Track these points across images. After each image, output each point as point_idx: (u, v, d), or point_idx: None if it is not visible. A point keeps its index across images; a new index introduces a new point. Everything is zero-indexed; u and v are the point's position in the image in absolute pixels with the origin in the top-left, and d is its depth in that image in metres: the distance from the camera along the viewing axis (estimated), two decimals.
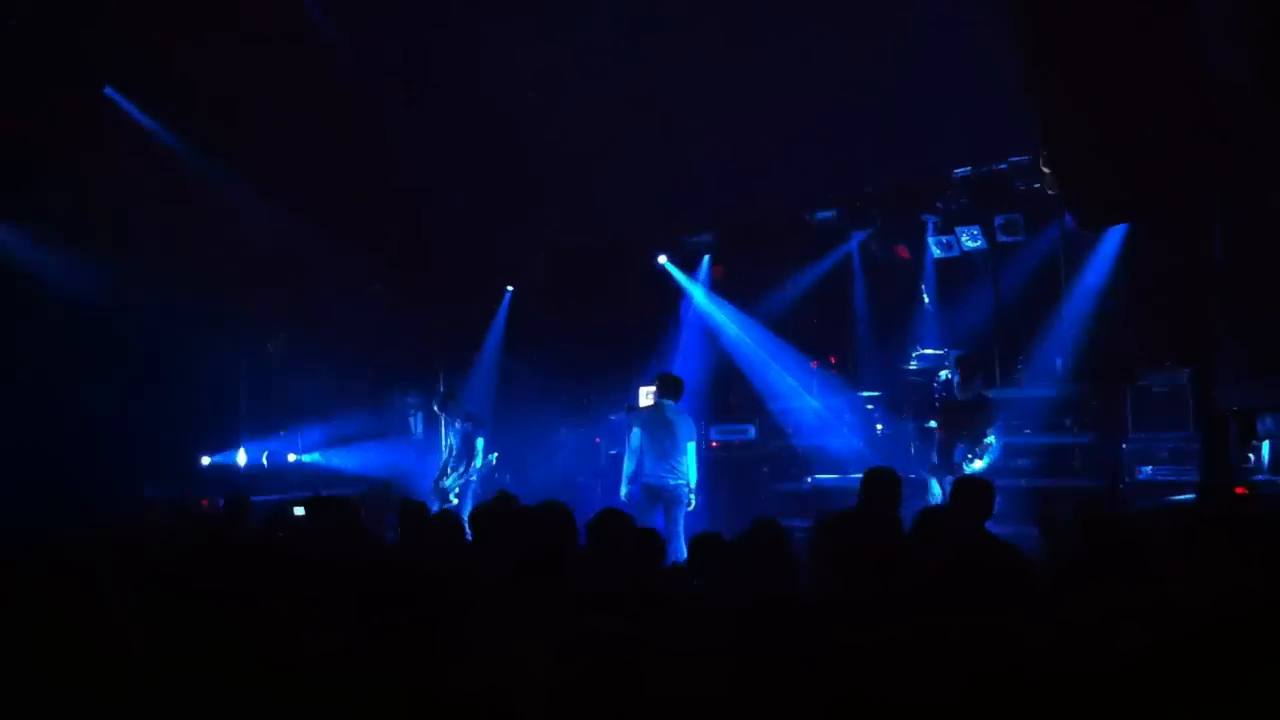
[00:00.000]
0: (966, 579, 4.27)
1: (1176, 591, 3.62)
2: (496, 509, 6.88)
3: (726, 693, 3.18)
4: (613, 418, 13.12)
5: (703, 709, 3.15)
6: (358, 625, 4.01)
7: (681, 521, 9.81)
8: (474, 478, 11.30)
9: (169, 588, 4.41)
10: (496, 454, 11.69)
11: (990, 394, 9.65)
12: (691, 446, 9.95)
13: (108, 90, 12.58)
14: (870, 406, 11.79)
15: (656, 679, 3.19)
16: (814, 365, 13.17)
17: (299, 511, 8.09)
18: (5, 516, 9.30)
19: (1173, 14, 6.65)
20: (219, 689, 3.59)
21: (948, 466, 9.08)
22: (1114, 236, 10.86)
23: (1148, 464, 9.50)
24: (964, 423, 9.21)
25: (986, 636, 3.17)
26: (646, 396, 12.26)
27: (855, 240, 12.97)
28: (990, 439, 8.98)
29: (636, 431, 9.95)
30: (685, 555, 9.07)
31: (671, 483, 9.80)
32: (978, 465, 8.83)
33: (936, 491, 9.09)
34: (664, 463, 9.81)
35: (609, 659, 3.26)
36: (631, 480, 9.94)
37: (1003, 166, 11.34)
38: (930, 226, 12.26)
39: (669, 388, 10.12)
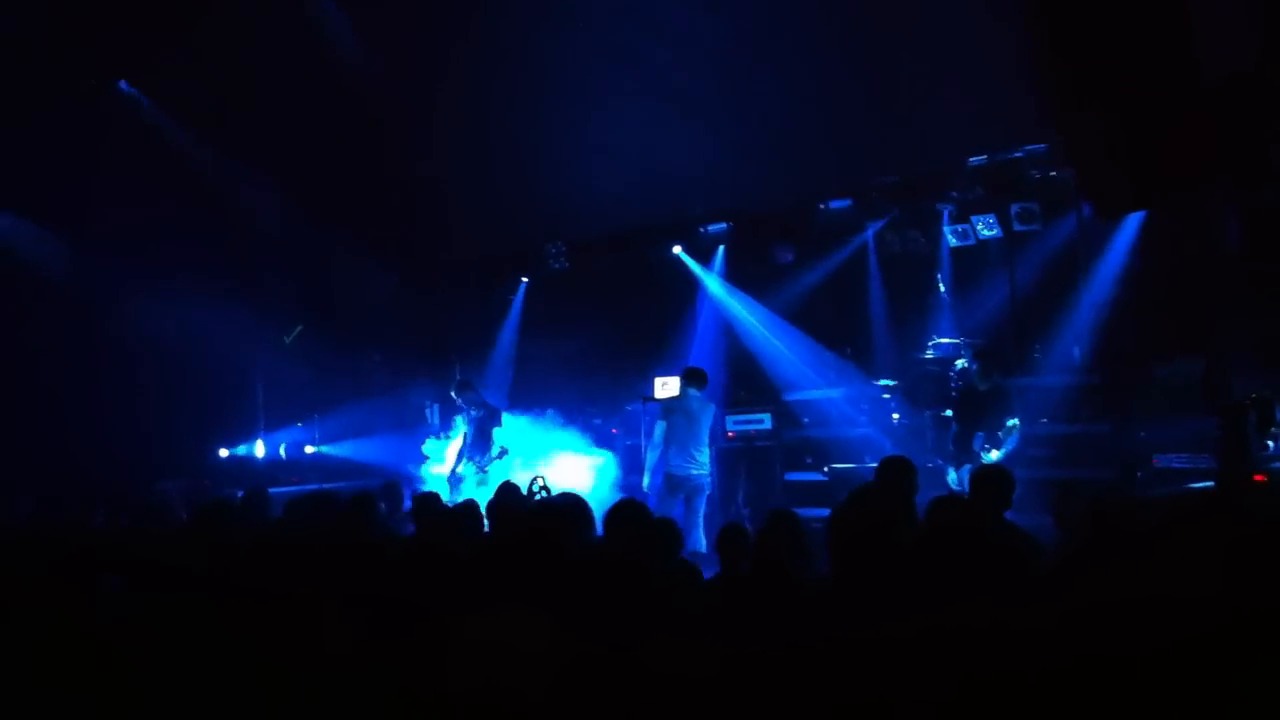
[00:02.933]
0: (982, 569, 4.27)
1: (1191, 581, 3.61)
2: (506, 500, 6.92)
3: (740, 682, 3.19)
4: (629, 408, 13.12)
5: (716, 698, 3.16)
6: (370, 620, 4.03)
7: (701, 511, 9.87)
8: (489, 467, 11.32)
9: (179, 583, 4.44)
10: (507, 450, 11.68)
11: (1007, 383, 9.60)
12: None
13: (122, 84, 12.63)
14: (887, 396, 11.75)
15: (669, 668, 3.20)
16: (829, 355, 13.12)
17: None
18: (19, 513, 9.36)
19: (1187, 2, 6.62)
20: (226, 684, 3.61)
21: (966, 455, 9.06)
22: (1131, 224, 10.80)
23: (1165, 452, 9.45)
24: (982, 413, 9.20)
25: (1000, 628, 3.17)
26: (662, 387, 12.26)
27: (870, 230, 12.95)
28: (1012, 421, 8.96)
29: (660, 423, 10.03)
30: (704, 545, 9.15)
31: (694, 473, 9.87)
32: (995, 455, 8.80)
33: (953, 478, 9.07)
34: (685, 453, 9.87)
35: (623, 649, 3.28)
36: (655, 470, 10.02)
37: (1018, 155, 11.33)
38: (945, 216, 12.23)
39: (693, 378, 10.18)
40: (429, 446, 12.71)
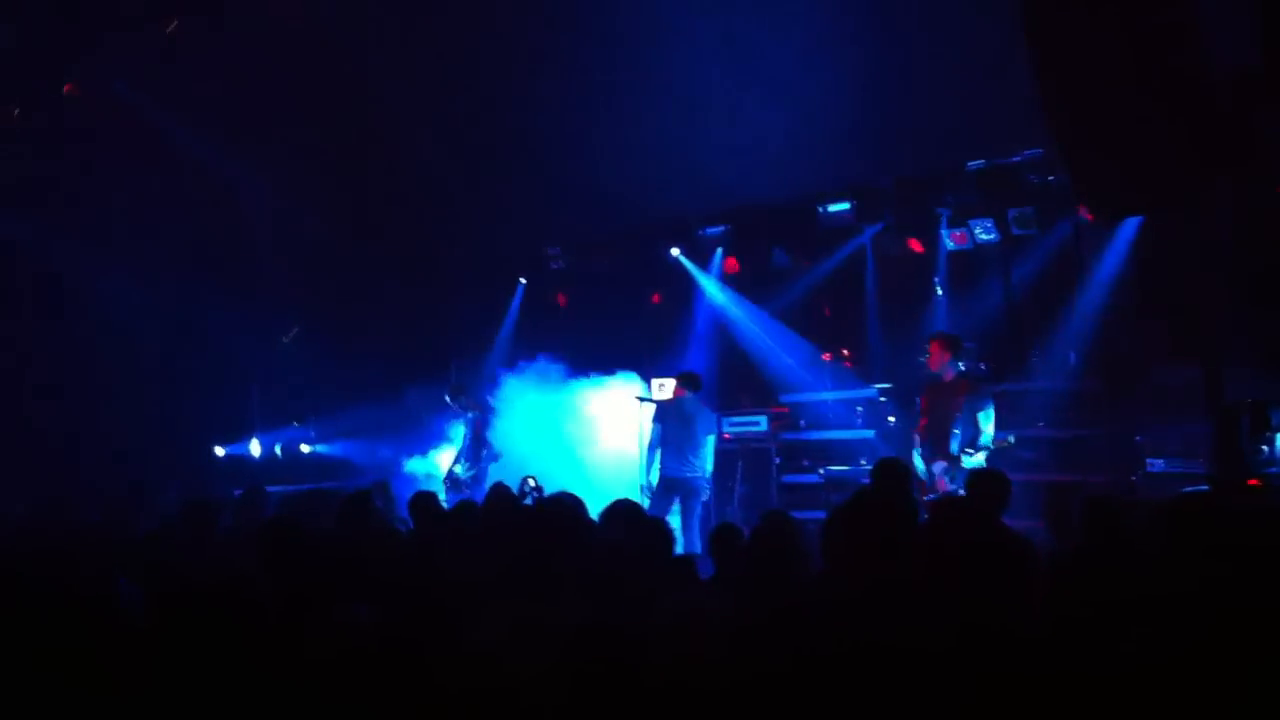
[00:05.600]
0: (978, 572, 4.28)
1: (1184, 584, 3.62)
2: (499, 501, 6.94)
3: (732, 684, 3.19)
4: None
5: (708, 700, 3.17)
6: (368, 618, 4.04)
7: (697, 513, 9.92)
8: (487, 468, 11.32)
9: (178, 582, 4.44)
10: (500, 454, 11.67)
11: (968, 371, 9.15)
12: (711, 440, 10.10)
13: (118, 85, 12.59)
14: (883, 399, 11.77)
15: (662, 669, 3.21)
16: (826, 358, 13.18)
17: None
18: (16, 511, 9.37)
19: (1182, 3, 6.61)
20: (225, 684, 3.61)
21: (937, 452, 8.78)
22: (1128, 229, 10.83)
23: (1160, 457, 9.45)
24: (948, 404, 8.78)
25: (996, 631, 3.18)
26: (658, 389, 12.28)
27: (868, 233, 12.98)
28: (989, 434, 8.62)
29: (656, 424, 10.13)
30: (699, 546, 9.18)
31: (688, 475, 9.93)
32: (979, 458, 8.40)
33: (920, 468, 8.70)
34: (680, 455, 9.94)
35: (616, 650, 3.28)
36: (649, 471, 10.10)
37: (1016, 160, 11.37)
38: (943, 219, 12.25)
39: (688, 381, 10.24)
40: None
